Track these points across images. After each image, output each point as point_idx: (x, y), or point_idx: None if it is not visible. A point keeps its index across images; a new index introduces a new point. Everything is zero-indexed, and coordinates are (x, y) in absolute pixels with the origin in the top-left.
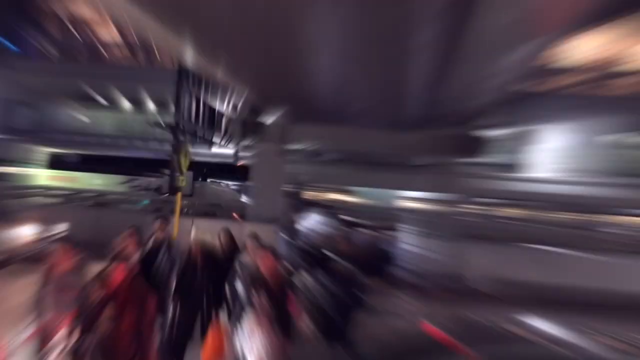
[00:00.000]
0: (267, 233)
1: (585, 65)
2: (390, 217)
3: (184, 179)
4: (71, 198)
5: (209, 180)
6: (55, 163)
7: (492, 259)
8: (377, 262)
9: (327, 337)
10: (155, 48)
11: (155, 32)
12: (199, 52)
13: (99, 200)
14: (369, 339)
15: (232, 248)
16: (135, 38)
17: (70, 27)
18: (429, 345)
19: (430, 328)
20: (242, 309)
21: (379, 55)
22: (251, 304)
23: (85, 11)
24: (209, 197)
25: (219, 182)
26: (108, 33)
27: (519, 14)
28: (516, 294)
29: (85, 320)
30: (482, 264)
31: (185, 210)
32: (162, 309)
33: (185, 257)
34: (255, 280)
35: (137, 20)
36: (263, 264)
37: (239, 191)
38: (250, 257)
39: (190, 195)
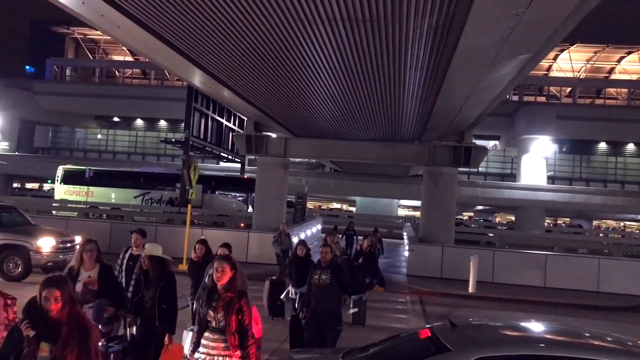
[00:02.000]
0: (269, 241)
1: (575, 76)
2: (388, 225)
3: (193, 192)
4: (87, 211)
5: (217, 192)
6: (73, 178)
7: (487, 263)
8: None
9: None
10: (166, 70)
11: (166, 57)
12: (208, 75)
13: (114, 213)
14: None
15: (207, 259)
16: (148, 60)
17: (86, 50)
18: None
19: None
20: (198, 323)
21: (373, 73)
22: (206, 318)
23: (100, 35)
24: (217, 208)
25: (227, 194)
26: (121, 55)
27: (505, 31)
28: (511, 296)
29: (15, 355)
30: (478, 267)
31: (196, 220)
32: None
33: (138, 274)
34: (210, 293)
35: (150, 46)
36: (219, 276)
37: (245, 202)
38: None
39: (200, 207)
